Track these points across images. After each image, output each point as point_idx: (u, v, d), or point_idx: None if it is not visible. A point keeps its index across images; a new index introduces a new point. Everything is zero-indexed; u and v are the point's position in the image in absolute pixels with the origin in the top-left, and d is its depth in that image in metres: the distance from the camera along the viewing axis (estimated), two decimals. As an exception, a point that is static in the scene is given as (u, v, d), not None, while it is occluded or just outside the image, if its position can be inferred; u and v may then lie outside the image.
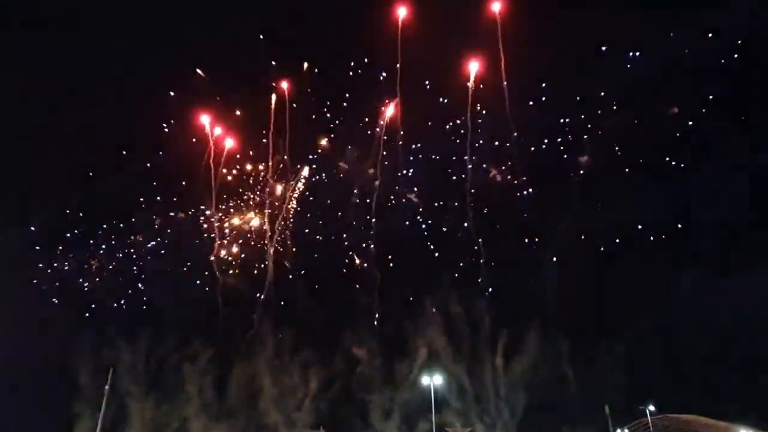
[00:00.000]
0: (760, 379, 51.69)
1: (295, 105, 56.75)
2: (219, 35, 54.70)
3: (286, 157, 55.93)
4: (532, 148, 58.87)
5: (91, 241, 53.81)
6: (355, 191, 57.09)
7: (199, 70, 54.83)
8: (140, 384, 52.00)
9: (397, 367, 56.51)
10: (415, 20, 56.44)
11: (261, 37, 56.67)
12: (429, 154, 58.56)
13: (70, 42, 51.03)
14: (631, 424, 57.24)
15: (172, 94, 54.82)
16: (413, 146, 58.28)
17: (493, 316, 58.02)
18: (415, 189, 58.83)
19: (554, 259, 60.16)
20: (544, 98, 57.87)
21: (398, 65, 55.77)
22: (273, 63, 55.96)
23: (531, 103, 58.18)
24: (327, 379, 55.99)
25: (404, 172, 58.13)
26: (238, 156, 56.72)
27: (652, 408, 55.55)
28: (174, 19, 52.39)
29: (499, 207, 59.37)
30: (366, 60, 57.28)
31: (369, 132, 57.66)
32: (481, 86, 57.27)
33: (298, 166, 57.42)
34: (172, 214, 55.92)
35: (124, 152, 55.07)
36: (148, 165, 54.07)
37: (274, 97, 56.84)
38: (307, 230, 57.72)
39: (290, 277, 58.47)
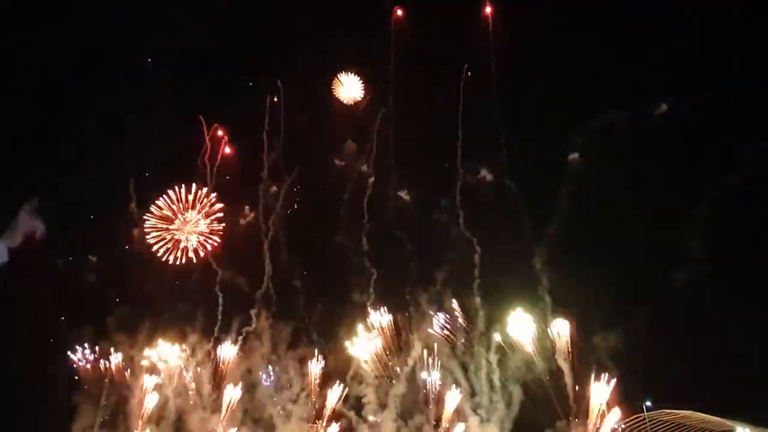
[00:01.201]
0: (757, 376, 51.28)
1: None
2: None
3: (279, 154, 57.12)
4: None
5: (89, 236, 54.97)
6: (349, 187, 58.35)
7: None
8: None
9: (393, 363, 57.11)
10: (408, 23, 57.73)
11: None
12: (422, 153, 59.22)
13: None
14: (627, 419, 57.29)
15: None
16: (407, 145, 59.04)
17: (488, 310, 58.57)
18: (408, 186, 59.68)
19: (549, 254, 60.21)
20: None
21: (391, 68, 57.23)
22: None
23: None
24: (323, 374, 56.73)
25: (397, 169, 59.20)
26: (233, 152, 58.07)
27: (648, 404, 55.58)
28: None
29: (491, 204, 59.91)
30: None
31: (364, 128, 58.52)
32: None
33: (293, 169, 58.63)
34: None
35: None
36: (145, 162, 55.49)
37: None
38: (301, 227, 58.73)
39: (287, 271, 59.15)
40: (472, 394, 55.86)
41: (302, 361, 57.31)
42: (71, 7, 52.47)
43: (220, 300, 57.19)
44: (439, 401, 55.33)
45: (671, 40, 54.49)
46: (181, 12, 55.34)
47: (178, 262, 56.39)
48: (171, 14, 54.00)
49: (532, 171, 59.20)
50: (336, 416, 55.85)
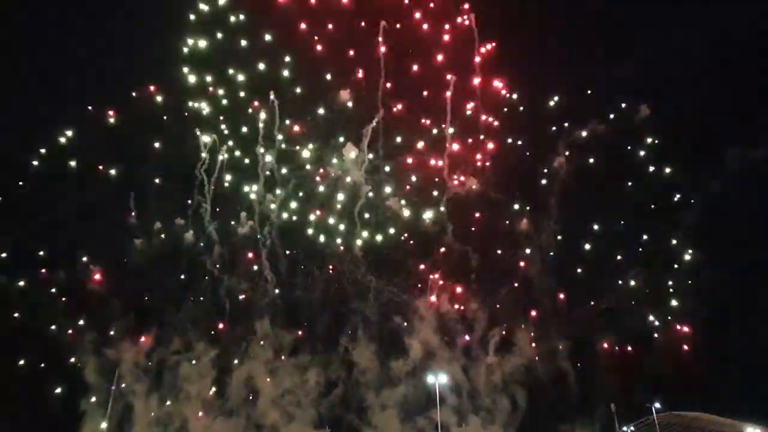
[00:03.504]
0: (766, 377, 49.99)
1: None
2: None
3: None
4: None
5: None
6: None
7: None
8: (144, 384, 54.61)
9: (394, 367, 57.45)
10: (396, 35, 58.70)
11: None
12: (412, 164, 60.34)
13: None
14: (636, 421, 56.28)
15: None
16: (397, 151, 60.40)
17: (489, 314, 58.65)
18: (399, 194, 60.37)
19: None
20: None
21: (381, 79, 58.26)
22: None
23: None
24: (326, 380, 57.40)
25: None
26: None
27: (657, 405, 54.56)
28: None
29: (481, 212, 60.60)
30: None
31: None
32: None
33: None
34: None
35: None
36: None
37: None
38: (295, 235, 59.80)
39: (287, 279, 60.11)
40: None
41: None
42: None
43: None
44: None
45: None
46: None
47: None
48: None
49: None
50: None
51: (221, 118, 59.40)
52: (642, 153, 59.42)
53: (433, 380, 55.25)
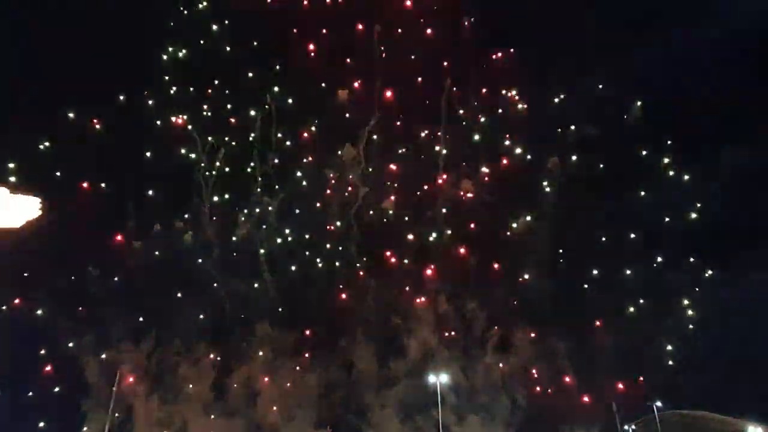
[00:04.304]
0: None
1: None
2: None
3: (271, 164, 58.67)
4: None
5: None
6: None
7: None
8: (145, 385, 55.10)
9: (394, 367, 57.55)
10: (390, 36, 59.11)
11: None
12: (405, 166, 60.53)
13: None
14: (638, 420, 55.94)
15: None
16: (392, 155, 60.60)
17: (489, 314, 58.55)
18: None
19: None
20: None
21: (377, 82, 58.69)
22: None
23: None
24: (327, 381, 57.62)
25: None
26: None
27: (659, 404, 54.17)
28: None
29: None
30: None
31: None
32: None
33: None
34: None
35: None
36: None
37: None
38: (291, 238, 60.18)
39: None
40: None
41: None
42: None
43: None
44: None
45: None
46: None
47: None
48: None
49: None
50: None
51: (226, 118, 60.00)
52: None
53: (434, 380, 55.20)
